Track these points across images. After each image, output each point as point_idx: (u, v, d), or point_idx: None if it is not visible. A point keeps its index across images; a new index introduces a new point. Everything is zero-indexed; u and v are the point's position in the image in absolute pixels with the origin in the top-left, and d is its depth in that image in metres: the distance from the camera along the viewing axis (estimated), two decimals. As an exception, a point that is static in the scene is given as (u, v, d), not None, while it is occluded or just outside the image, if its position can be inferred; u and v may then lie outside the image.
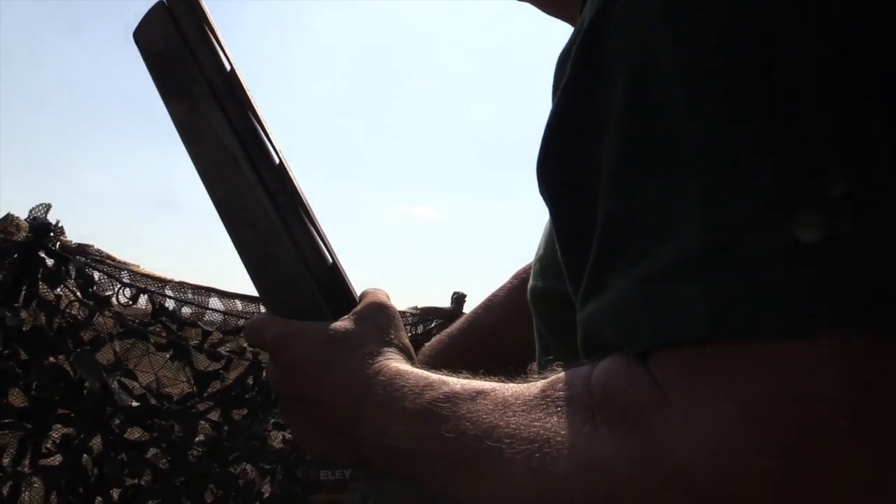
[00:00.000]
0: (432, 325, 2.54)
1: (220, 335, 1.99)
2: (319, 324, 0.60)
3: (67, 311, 1.74)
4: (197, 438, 1.94)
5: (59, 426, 1.71)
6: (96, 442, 1.78)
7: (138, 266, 1.84)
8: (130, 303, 1.83)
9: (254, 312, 2.08)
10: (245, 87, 0.66)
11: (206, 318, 1.97)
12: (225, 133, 0.63)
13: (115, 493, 1.82)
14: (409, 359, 0.58)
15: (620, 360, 0.37)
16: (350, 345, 0.57)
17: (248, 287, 2.18)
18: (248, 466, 2.09)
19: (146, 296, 1.87)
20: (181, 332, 1.91)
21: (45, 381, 1.65)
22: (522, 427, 0.39)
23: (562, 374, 0.40)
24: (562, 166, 0.43)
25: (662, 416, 0.34)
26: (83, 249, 1.76)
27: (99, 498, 1.76)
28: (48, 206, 1.74)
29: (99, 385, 1.69)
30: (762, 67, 0.36)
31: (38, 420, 1.67)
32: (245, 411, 2.03)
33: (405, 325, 2.43)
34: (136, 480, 1.84)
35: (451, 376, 0.48)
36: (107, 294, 1.80)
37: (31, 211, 1.70)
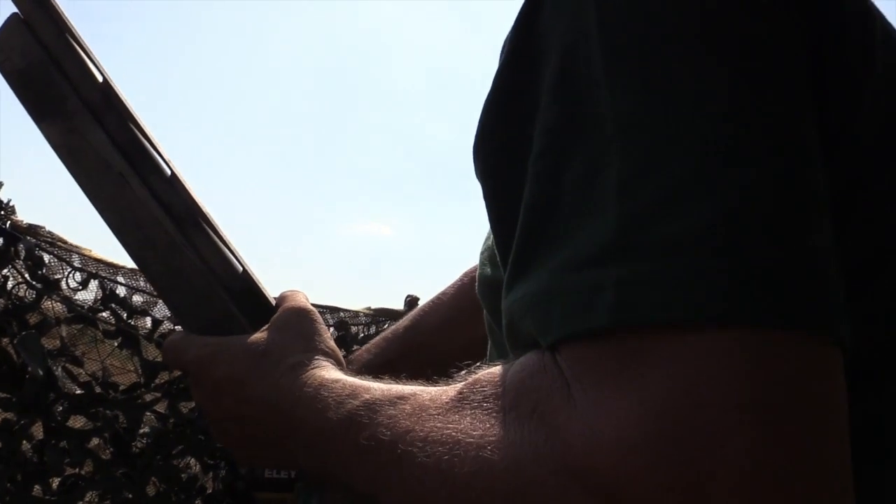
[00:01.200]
0: (385, 327, 2.54)
1: (172, 325, 1.95)
2: (240, 339, 0.59)
3: (14, 292, 1.69)
4: (142, 430, 1.90)
5: (-2, 410, 1.65)
6: (37, 429, 1.73)
7: (90, 250, 1.80)
8: (80, 287, 1.78)
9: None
10: (122, 97, 0.62)
11: (158, 308, 1.93)
12: (107, 151, 0.60)
13: (55, 483, 1.77)
14: (336, 362, 0.58)
15: (534, 357, 0.37)
16: (274, 358, 0.56)
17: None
18: (192, 461, 2.05)
19: (97, 281, 1.82)
20: (131, 320, 1.87)
21: (-13, 364, 1.60)
22: (436, 430, 0.39)
23: (481, 375, 0.40)
24: (495, 148, 0.43)
25: (566, 414, 0.33)
26: (34, 230, 1.71)
27: (37, 486, 1.71)
28: (-1, 184, 1.69)
29: (42, 371, 1.64)
30: (684, 51, 0.36)
31: (-23, 403, 1.61)
32: (192, 404, 1.99)
33: (359, 325, 2.42)
34: (76, 470, 1.79)
35: (376, 382, 0.49)
36: (56, 277, 1.75)
37: (-20, 189, 1.65)
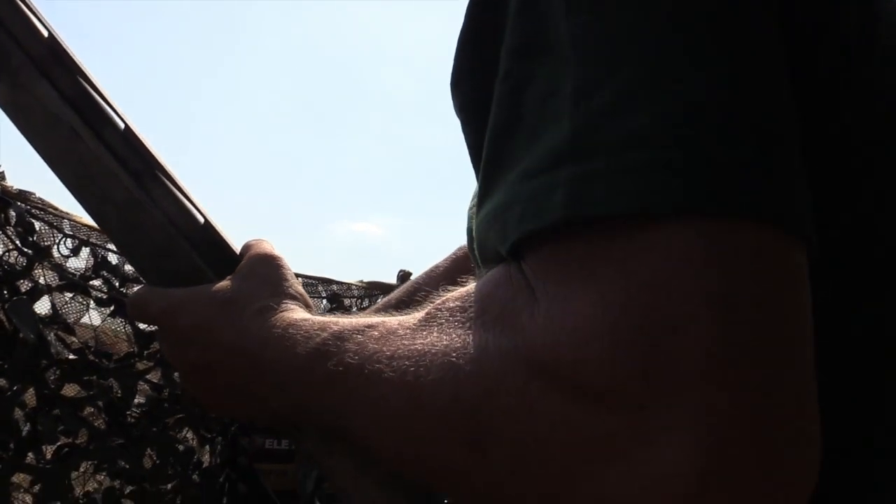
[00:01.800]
0: (378, 300, 2.53)
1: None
2: (204, 288, 0.58)
3: (5, 259, 1.67)
4: (136, 400, 1.89)
5: (-9, 377, 1.63)
6: (30, 398, 1.71)
7: (81, 217, 1.78)
8: (72, 255, 1.77)
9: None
10: (70, 52, 0.60)
11: (150, 276, 1.91)
12: (56, 105, 0.58)
13: (49, 452, 1.75)
14: (304, 306, 0.57)
15: (500, 268, 0.37)
16: (240, 304, 0.55)
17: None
18: (189, 434, 2.03)
19: (88, 249, 1.81)
20: (123, 288, 1.86)
21: (-22, 329, 1.58)
22: (403, 347, 0.39)
23: (448, 295, 0.40)
24: (469, 81, 0.43)
25: (529, 312, 0.33)
26: (24, 196, 1.69)
27: (31, 454, 1.69)
28: (-12, 150, 1.67)
29: (34, 336, 1.63)
30: None
31: (-31, 369, 1.59)
32: (187, 375, 1.98)
33: (351, 297, 2.41)
34: (71, 439, 1.77)
35: (344, 317, 0.48)
36: (47, 244, 1.73)
37: (-31, 152, 1.63)
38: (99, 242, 1.81)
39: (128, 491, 1.85)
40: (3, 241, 1.67)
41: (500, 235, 0.36)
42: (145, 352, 1.88)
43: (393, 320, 0.43)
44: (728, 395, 0.30)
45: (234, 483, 2.05)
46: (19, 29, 0.58)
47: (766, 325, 0.31)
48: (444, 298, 0.40)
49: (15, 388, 1.64)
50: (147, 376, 1.89)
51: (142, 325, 1.90)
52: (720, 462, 0.29)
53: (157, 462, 1.92)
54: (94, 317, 1.83)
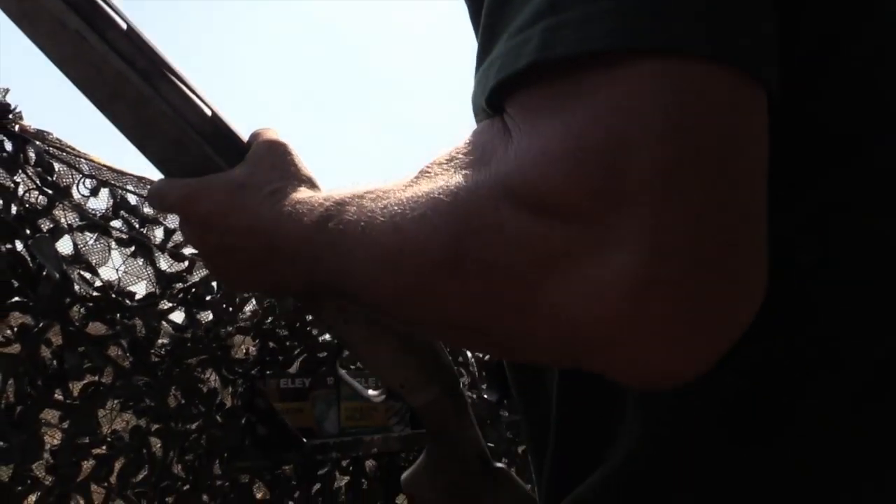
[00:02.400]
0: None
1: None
2: (218, 176, 0.62)
3: (25, 198, 1.69)
4: (160, 341, 1.91)
5: (17, 315, 1.65)
6: (56, 336, 1.73)
7: (98, 158, 1.79)
8: (91, 195, 1.78)
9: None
10: None
11: (171, 218, 1.92)
12: (61, 10, 0.60)
13: (76, 390, 1.77)
14: (313, 187, 0.60)
15: (485, 121, 0.40)
16: (252, 190, 0.59)
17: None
18: (212, 375, 2.06)
19: (107, 190, 1.82)
20: (143, 229, 1.87)
21: (2, 265, 1.59)
22: (394, 198, 0.42)
23: (440, 152, 0.43)
24: None
25: (503, 148, 0.36)
26: (42, 136, 1.70)
27: (58, 391, 1.71)
28: (6, 90, 1.68)
29: (58, 273, 1.64)
30: None
31: (-5, 305, 1.61)
32: (210, 316, 2.00)
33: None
34: (96, 377, 1.79)
35: (357, 187, 0.50)
36: (66, 184, 1.74)
37: (-15, 93, 1.64)
38: (118, 183, 1.82)
39: (154, 429, 1.87)
40: (22, 180, 1.68)
41: (481, 88, 0.39)
42: (167, 292, 1.90)
43: (390, 182, 0.46)
44: (671, 214, 0.33)
45: (254, 425, 2.08)
46: None
47: (713, 156, 0.33)
48: (435, 156, 0.43)
49: (41, 324, 1.66)
50: (169, 317, 1.91)
51: (163, 267, 1.92)
52: (658, 273, 0.32)
53: (182, 402, 1.95)
54: (115, 257, 1.84)
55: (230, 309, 2.02)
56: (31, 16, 0.61)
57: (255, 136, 0.66)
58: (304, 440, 1.89)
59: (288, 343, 2.21)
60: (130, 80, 0.62)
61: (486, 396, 0.70)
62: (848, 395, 0.41)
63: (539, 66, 0.35)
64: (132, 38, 0.62)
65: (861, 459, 0.41)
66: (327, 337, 2.28)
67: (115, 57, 0.61)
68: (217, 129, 0.65)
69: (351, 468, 2.34)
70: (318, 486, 2.31)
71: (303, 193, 0.56)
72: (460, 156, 0.40)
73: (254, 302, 2.10)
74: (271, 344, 2.17)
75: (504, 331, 0.38)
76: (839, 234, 0.42)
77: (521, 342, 0.38)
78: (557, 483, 0.51)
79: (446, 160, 0.41)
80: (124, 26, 0.63)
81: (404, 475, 0.80)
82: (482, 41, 0.41)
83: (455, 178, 0.39)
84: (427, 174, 0.42)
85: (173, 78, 0.64)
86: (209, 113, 0.65)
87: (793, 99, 0.40)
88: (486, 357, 0.66)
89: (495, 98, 0.38)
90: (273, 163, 0.62)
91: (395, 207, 0.41)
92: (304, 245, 0.51)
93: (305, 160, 0.65)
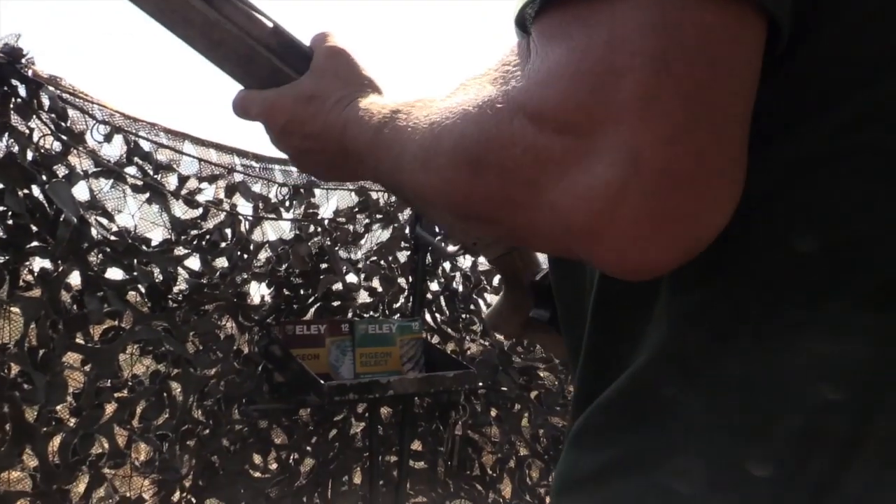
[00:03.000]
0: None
1: (197, 182, 1.96)
2: (289, 89, 0.71)
3: (40, 144, 1.70)
4: (177, 288, 1.92)
5: (36, 259, 1.67)
6: (75, 280, 1.75)
7: (110, 104, 1.80)
8: (105, 141, 1.79)
9: (229, 164, 2.05)
10: None
11: (183, 165, 1.94)
12: None
13: (97, 334, 1.80)
14: (373, 89, 0.70)
15: (517, 41, 0.45)
16: (319, 100, 0.69)
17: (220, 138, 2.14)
18: (228, 322, 2.08)
19: (121, 137, 1.82)
20: (158, 175, 1.88)
21: (21, 209, 1.61)
22: (436, 108, 0.50)
23: (480, 66, 0.51)
24: None
25: (522, 69, 0.43)
26: (55, 81, 1.70)
27: (79, 335, 1.73)
28: (18, 35, 1.68)
29: (75, 217, 1.66)
30: None
31: (15, 249, 1.63)
32: (225, 264, 2.01)
33: (380, 191, 2.43)
34: (116, 322, 1.81)
35: (408, 96, 0.60)
36: (80, 130, 1.75)
37: (-1, 38, 1.64)
38: (131, 130, 1.83)
39: (173, 374, 1.90)
40: (37, 125, 1.69)
41: (514, 9, 0.45)
42: (182, 238, 1.91)
43: (436, 96, 0.54)
44: (645, 134, 0.38)
45: (272, 372, 2.10)
46: None
47: (691, 82, 0.38)
48: (474, 70, 0.51)
49: (61, 269, 1.68)
50: (185, 263, 1.92)
51: (177, 213, 1.93)
52: (630, 182, 0.38)
53: (200, 348, 1.97)
54: (130, 204, 1.85)
55: (245, 256, 2.03)
56: None
57: (316, 42, 0.74)
58: (322, 382, 1.91)
59: (302, 291, 2.23)
60: (195, 6, 0.69)
61: (532, 317, 0.82)
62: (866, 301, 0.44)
63: None
64: None
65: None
66: (339, 286, 2.30)
67: None
68: (281, 40, 0.73)
69: (366, 415, 2.37)
70: (334, 431, 2.35)
71: (365, 100, 0.65)
72: (491, 72, 0.46)
73: (268, 250, 2.12)
74: (286, 291, 2.19)
75: (513, 222, 0.45)
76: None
77: (526, 232, 0.45)
78: (590, 385, 0.55)
79: (481, 75, 0.47)
80: None
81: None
82: None
83: (483, 93, 0.45)
84: (465, 87, 0.49)
85: (234, 0, 0.71)
86: (270, 25, 0.72)
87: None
88: (536, 278, 0.79)
89: (521, 22, 0.44)
90: (336, 71, 0.71)
91: (435, 116, 0.49)
92: (367, 148, 0.61)
93: (364, 58, 0.74)
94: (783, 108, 0.45)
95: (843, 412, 0.43)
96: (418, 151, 0.51)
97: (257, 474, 2.14)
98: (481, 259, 2.73)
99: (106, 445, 1.78)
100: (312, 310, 2.26)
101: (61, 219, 1.65)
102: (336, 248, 2.27)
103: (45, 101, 1.69)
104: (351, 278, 2.34)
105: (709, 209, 0.40)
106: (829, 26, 0.44)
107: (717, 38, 0.39)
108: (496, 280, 2.72)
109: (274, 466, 2.20)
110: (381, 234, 2.46)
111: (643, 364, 0.49)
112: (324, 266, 2.24)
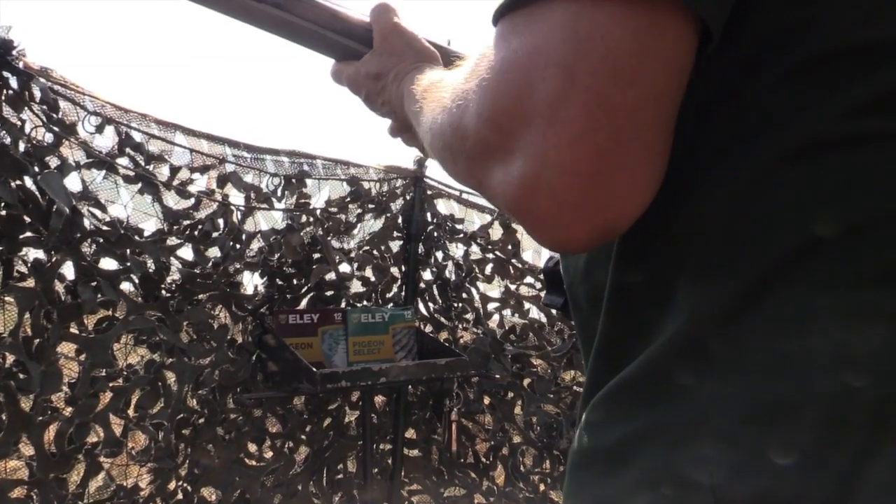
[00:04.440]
0: (396, 184, 2.55)
1: (189, 173, 1.97)
2: (362, 65, 0.91)
3: (32, 136, 1.70)
4: (170, 278, 1.94)
5: (30, 249, 1.68)
6: (68, 271, 1.76)
7: (102, 95, 1.80)
8: (96, 132, 1.79)
9: (220, 154, 2.06)
10: None
11: (175, 155, 1.94)
12: None
13: (91, 324, 1.81)
14: (423, 58, 0.88)
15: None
16: (382, 78, 0.89)
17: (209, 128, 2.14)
18: (222, 312, 2.09)
19: (112, 128, 1.83)
20: (149, 165, 1.89)
21: (14, 200, 1.62)
22: (445, 91, 0.58)
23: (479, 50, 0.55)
24: None
25: (478, 67, 0.49)
26: (46, 73, 1.71)
27: (73, 324, 1.74)
28: (8, 27, 1.69)
29: (68, 207, 1.67)
30: None
31: (8, 239, 1.64)
32: (218, 254, 2.02)
33: (370, 180, 2.44)
34: (110, 311, 1.82)
35: (436, 72, 0.79)
36: (72, 121, 1.76)
37: (-12, 30, 1.64)
38: (122, 121, 1.84)
39: (168, 363, 1.91)
40: (29, 117, 1.70)
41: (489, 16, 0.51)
42: (175, 228, 1.92)
43: (448, 75, 0.68)
44: (554, 135, 0.43)
45: (266, 361, 2.12)
46: None
47: (597, 94, 0.43)
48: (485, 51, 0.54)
49: (54, 259, 1.69)
50: (178, 253, 1.93)
51: (169, 204, 1.94)
52: (541, 176, 0.44)
53: (194, 338, 1.98)
54: (123, 195, 1.86)
55: (237, 246, 2.05)
56: None
57: (374, 16, 0.92)
58: (315, 370, 1.93)
59: (295, 281, 2.24)
60: (269, 13, 0.85)
61: (545, 303, 0.85)
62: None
63: (506, 5, 0.47)
64: None
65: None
66: (332, 276, 2.31)
67: (251, 1, 0.84)
68: (345, 23, 0.91)
69: (360, 403, 2.38)
70: (329, 420, 2.36)
71: (415, 74, 0.81)
72: (466, 66, 0.53)
73: (260, 239, 2.13)
74: (279, 281, 2.20)
75: (485, 194, 0.53)
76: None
77: (494, 202, 0.52)
78: (602, 374, 0.55)
79: (465, 65, 0.54)
80: None
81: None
82: None
83: (458, 85, 0.53)
84: (457, 73, 0.57)
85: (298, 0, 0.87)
86: (332, 12, 0.90)
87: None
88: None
89: (493, 23, 0.50)
90: (391, 49, 0.89)
91: (436, 103, 0.60)
92: (412, 116, 0.76)
93: (411, 28, 0.92)
94: (789, 94, 0.47)
95: (865, 397, 0.42)
96: (429, 134, 0.63)
97: (252, 462, 2.16)
98: (473, 248, 2.75)
99: (102, 434, 1.79)
100: (305, 299, 2.27)
101: (54, 209, 1.66)
102: (328, 238, 2.28)
103: (37, 93, 1.69)
104: (344, 268, 2.35)
105: (614, 201, 0.45)
106: (830, 19, 0.46)
107: (624, 50, 0.43)
108: (488, 269, 2.74)
109: (269, 455, 2.22)
110: (373, 224, 2.48)
111: (660, 350, 0.50)
112: (316, 256, 2.25)
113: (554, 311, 2.64)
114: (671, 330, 0.49)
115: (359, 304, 2.42)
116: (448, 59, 0.91)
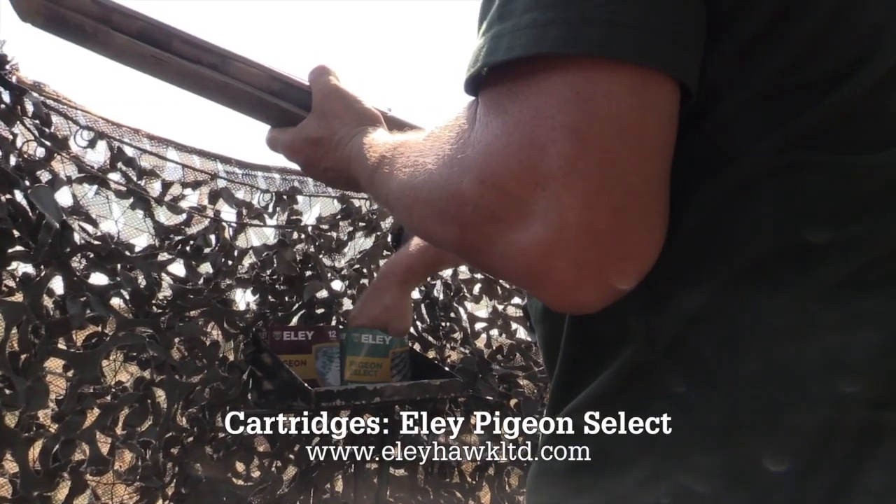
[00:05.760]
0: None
1: (181, 188, 1.96)
2: (300, 130, 0.86)
3: (24, 150, 1.69)
4: (161, 294, 1.92)
5: (19, 263, 1.66)
6: (58, 286, 1.74)
7: (94, 110, 1.79)
8: (89, 146, 1.78)
9: (212, 170, 2.06)
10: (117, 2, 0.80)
11: (167, 171, 1.94)
12: (132, 46, 0.79)
13: (79, 340, 1.79)
14: (368, 121, 0.83)
15: (469, 101, 0.52)
16: (325, 143, 0.83)
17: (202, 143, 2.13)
18: (213, 329, 2.07)
19: (104, 143, 1.82)
20: (141, 181, 1.88)
21: (3, 214, 1.60)
22: (411, 157, 0.58)
23: (446, 118, 0.56)
24: None
25: (468, 134, 0.49)
26: (39, 87, 1.70)
27: (62, 340, 1.72)
28: (2, 42, 1.68)
29: (58, 222, 1.65)
30: None
31: (-2, 254, 1.62)
32: (209, 270, 2.01)
33: (360, 198, 2.44)
34: (99, 328, 1.80)
35: (389, 137, 0.74)
36: (64, 136, 1.75)
37: (-18, 44, 1.63)
38: (114, 135, 1.83)
39: (158, 380, 1.89)
40: (21, 131, 1.68)
41: (462, 81, 0.51)
42: (166, 243, 1.91)
43: (415, 139, 0.63)
44: (569, 198, 0.43)
45: (260, 379, 2.10)
46: (73, 4, 0.77)
47: (607, 149, 0.43)
48: (444, 118, 0.56)
49: (43, 273, 1.67)
50: (169, 268, 1.92)
51: (161, 219, 1.93)
52: (559, 240, 0.44)
53: (185, 355, 1.96)
54: (115, 210, 1.85)
55: (229, 262, 2.03)
56: (121, 55, 0.80)
57: (312, 78, 0.87)
58: (311, 388, 1.91)
59: (287, 298, 2.23)
60: (204, 74, 0.82)
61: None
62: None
63: (488, 69, 0.47)
64: (194, 43, 0.82)
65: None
66: (324, 293, 2.30)
67: (189, 64, 0.81)
68: (282, 85, 0.86)
69: (349, 422, 2.37)
70: (317, 439, 2.34)
71: (362, 137, 0.78)
72: (449, 128, 0.53)
73: (252, 256, 2.12)
74: (271, 298, 2.19)
75: (478, 262, 0.52)
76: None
77: (490, 270, 0.53)
78: (567, 384, 0.57)
79: (444, 128, 0.54)
80: (184, 36, 0.82)
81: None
82: (478, 21, 0.51)
83: (445, 151, 0.52)
84: (430, 137, 0.57)
85: (234, 60, 0.84)
86: (268, 74, 0.86)
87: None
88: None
89: (468, 89, 0.50)
90: (333, 112, 0.84)
91: (408, 168, 0.58)
92: (367, 183, 0.73)
93: (354, 88, 0.88)
94: (737, 129, 0.49)
95: (858, 404, 0.43)
96: (401, 199, 0.60)
97: (240, 482, 2.13)
98: (461, 268, 2.75)
99: (88, 452, 1.76)
100: (297, 317, 2.26)
101: (43, 224, 1.64)
102: (320, 256, 2.27)
103: (29, 107, 1.68)
104: (335, 285, 2.34)
105: (631, 258, 0.46)
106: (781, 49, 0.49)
107: (626, 106, 0.44)
108: (476, 288, 2.74)
109: (256, 474, 2.19)
110: (363, 242, 2.47)
111: (641, 361, 0.51)
112: (308, 273, 2.24)
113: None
114: (662, 341, 0.50)
115: (343, 322, 2.40)
116: (393, 126, 0.86)
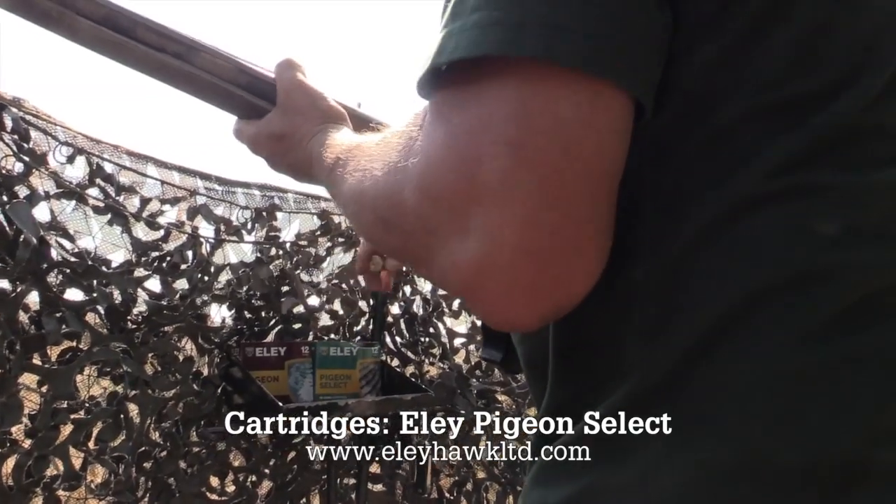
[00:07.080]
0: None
1: (159, 205, 1.97)
2: (265, 124, 0.86)
3: (2, 165, 1.70)
4: (136, 309, 1.93)
5: (-6, 279, 1.66)
6: (33, 302, 1.75)
7: (73, 126, 1.80)
8: (67, 163, 1.79)
9: (192, 187, 2.07)
10: None
11: (146, 187, 1.95)
12: (97, 31, 0.79)
13: (54, 355, 1.79)
14: (330, 119, 0.84)
15: (421, 108, 0.51)
16: (288, 139, 0.84)
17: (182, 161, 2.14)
18: (188, 344, 2.08)
19: (83, 158, 1.83)
20: (120, 196, 1.89)
21: (-20, 230, 1.61)
22: (364, 161, 0.59)
23: (403, 122, 0.55)
24: None
25: (415, 142, 0.48)
26: (18, 103, 1.71)
27: (36, 355, 1.73)
28: (-20, 57, 1.69)
29: (35, 238, 1.66)
30: None
31: (-27, 269, 1.62)
32: (185, 286, 2.02)
33: (340, 214, 2.45)
34: (74, 343, 1.81)
35: (349, 138, 0.76)
36: (43, 151, 1.76)
37: (-38, 58, 1.64)
38: (94, 151, 1.84)
39: (131, 395, 1.89)
40: (-1, 147, 1.69)
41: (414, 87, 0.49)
42: (143, 259, 1.92)
43: (369, 142, 0.64)
44: (504, 215, 0.42)
45: (231, 394, 2.11)
46: None
47: (546, 166, 0.41)
48: (399, 123, 0.56)
49: (19, 289, 1.67)
50: (145, 284, 1.93)
51: (139, 235, 1.94)
52: (492, 256, 0.42)
53: (159, 370, 1.97)
54: (93, 226, 1.85)
55: (205, 278, 2.05)
56: (87, 40, 0.79)
57: (279, 72, 0.87)
58: (281, 405, 1.92)
59: (263, 314, 2.24)
60: (169, 63, 0.82)
61: (482, 357, 0.80)
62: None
63: (435, 70, 0.45)
64: (158, 31, 0.82)
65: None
66: (301, 309, 2.32)
67: (153, 52, 0.81)
68: (250, 77, 0.87)
69: (325, 437, 2.38)
70: (293, 454, 2.35)
71: (323, 136, 0.79)
72: (402, 134, 0.52)
73: (229, 272, 2.13)
74: (247, 314, 2.20)
75: (420, 271, 0.52)
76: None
77: (433, 283, 0.54)
78: (556, 412, 0.54)
79: (395, 134, 0.54)
80: (149, 24, 0.81)
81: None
82: (441, 15, 0.49)
83: (392, 158, 0.52)
84: (385, 142, 0.56)
85: (201, 51, 0.84)
86: (236, 67, 0.86)
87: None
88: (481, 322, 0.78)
89: (420, 91, 0.48)
90: (296, 108, 0.85)
91: (358, 173, 0.58)
92: (325, 177, 0.74)
93: (318, 84, 0.87)
94: (719, 154, 0.46)
95: (842, 447, 0.41)
96: (351, 203, 0.61)
97: (214, 497, 2.14)
98: (442, 283, 2.76)
99: (61, 467, 1.77)
100: (273, 332, 2.27)
101: (21, 240, 1.65)
102: (297, 271, 2.29)
103: (8, 123, 1.69)
104: (312, 301, 2.35)
105: (567, 280, 0.44)
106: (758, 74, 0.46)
107: (571, 121, 0.41)
108: (456, 304, 2.75)
109: (231, 489, 2.20)
110: (342, 258, 2.49)
111: (625, 399, 0.48)
112: (285, 289, 2.26)
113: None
114: (619, 392, 0.48)
115: (325, 338, 2.42)
116: (358, 122, 0.87)
